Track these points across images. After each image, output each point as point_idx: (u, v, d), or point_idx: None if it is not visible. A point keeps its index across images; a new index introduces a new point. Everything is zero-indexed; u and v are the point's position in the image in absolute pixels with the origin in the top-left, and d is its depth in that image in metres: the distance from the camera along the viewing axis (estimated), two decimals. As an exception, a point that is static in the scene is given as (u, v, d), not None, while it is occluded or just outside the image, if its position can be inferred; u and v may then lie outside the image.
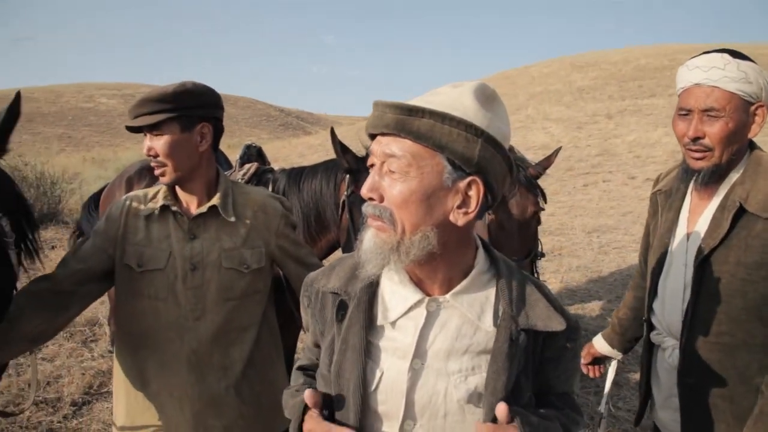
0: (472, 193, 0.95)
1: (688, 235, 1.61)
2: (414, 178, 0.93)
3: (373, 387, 1.02)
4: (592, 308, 5.01)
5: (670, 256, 1.66)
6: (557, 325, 1.01)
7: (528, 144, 13.25)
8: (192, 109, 1.59)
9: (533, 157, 2.57)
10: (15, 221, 1.59)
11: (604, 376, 2.16)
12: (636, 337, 2.00)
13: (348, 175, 2.42)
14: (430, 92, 1.00)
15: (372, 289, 1.06)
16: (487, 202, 0.98)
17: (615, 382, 2.16)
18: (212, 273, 1.62)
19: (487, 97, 0.97)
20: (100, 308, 4.86)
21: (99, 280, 1.65)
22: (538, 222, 2.57)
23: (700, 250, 1.53)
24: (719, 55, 1.48)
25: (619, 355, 2.06)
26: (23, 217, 1.66)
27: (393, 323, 1.03)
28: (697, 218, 1.60)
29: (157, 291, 1.61)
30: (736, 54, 1.48)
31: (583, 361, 2.07)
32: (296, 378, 1.17)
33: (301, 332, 2.69)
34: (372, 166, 1.01)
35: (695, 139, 1.50)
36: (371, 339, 1.04)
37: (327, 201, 2.50)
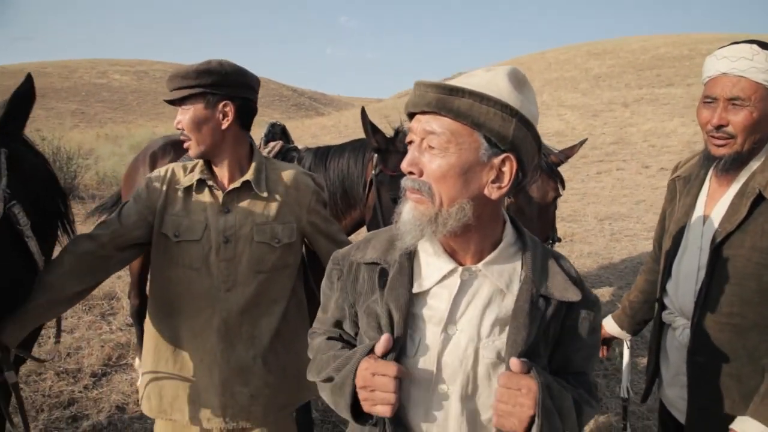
0: (506, 168, 1.01)
1: (704, 220, 1.64)
2: (453, 154, 0.99)
3: (413, 353, 1.07)
4: (603, 294, 5.04)
5: (686, 239, 1.70)
6: (573, 295, 1.07)
7: (543, 130, 13.13)
8: (215, 87, 1.63)
9: (548, 143, 2.64)
10: (47, 205, 1.65)
11: (612, 358, 2.20)
12: (645, 320, 2.04)
13: (376, 155, 2.45)
14: (465, 74, 1.05)
15: (410, 257, 1.11)
16: (517, 179, 1.03)
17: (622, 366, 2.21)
18: (244, 246, 1.67)
19: (519, 80, 1.03)
20: (117, 282, 4.96)
21: (136, 246, 1.72)
22: (555, 207, 2.61)
23: (716, 233, 1.56)
24: (748, 45, 1.50)
25: (628, 337, 2.10)
26: (59, 199, 1.73)
27: (428, 291, 1.09)
28: (715, 204, 1.63)
29: (191, 261, 1.66)
30: (764, 45, 1.50)
31: None
32: (332, 346, 1.21)
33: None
34: (410, 143, 1.06)
35: (719, 127, 1.53)
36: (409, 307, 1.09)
37: (354, 179, 2.54)
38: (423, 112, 1.03)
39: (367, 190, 2.49)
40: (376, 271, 1.12)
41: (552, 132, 13.00)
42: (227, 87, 1.65)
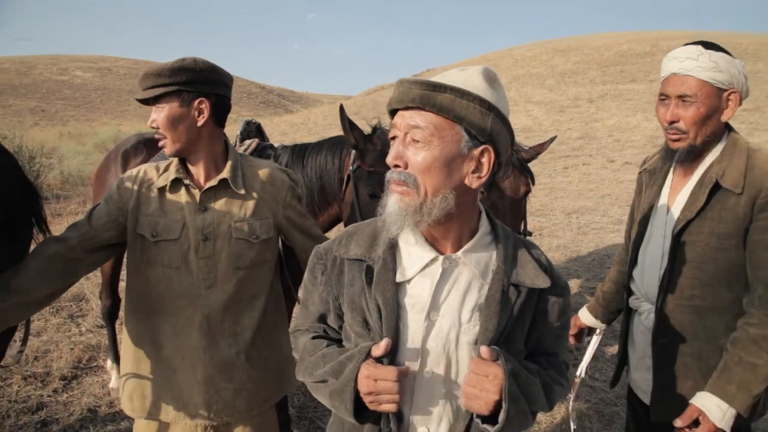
0: (485, 159, 1.09)
1: (668, 209, 1.76)
2: (436, 147, 1.05)
3: (399, 340, 1.12)
4: (571, 286, 5.16)
5: (651, 228, 1.81)
6: (543, 282, 1.14)
7: (510, 126, 13.33)
8: (189, 85, 1.64)
9: (517, 139, 2.75)
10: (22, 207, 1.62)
11: (581, 348, 2.27)
12: (618, 309, 2.13)
13: (354, 151, 2.49)
14: (440, 75, 1.11)
15: (392, 251, 1.16)
16: (494, 169, 1.11)
17: (593, 355, 2.28)
18: (223, 243, 1.68)
19: (491, 78, 1.11)
20: (86, 284, 4.86)
21: (108, 248, 1.71)
22: (526, 202, 2.68)
23: (678, 221, 1.68)
24: (694, 47, 1.63)
25: (602, 326, 2.18)
26: (32, 199, 1.71)
27: (410, 280, 1.14)
28: (677, 194, 1.74)
29: (170, 260, 1.67)
30: (709, 45, 1.62)
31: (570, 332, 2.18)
32: (318, 345, 1.24)
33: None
34: (393, 138, 1.11)
35: (671, 123, 1.66)
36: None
37: (331, 176, 2.57)
38: (407, 108, 1.08)
39: (344, 186, 2.52)
40: (362, 268, 1.17)
41: (520, 127, 13.16)
42: (202, 84, 1.66)
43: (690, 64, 1.61)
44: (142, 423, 1.78)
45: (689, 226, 1.65)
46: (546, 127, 13.53)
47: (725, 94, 1.61)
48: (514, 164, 2.53)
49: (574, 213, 7.65)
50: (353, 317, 1.16)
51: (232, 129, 4.71)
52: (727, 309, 1.63)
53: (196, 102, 1.65)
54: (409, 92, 1.06)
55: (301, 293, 1.29)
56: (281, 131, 16.46)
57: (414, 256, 1.15)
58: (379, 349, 1.07)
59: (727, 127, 1.71)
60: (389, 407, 1.05)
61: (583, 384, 1.92)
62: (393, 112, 1.13)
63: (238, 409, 1.74)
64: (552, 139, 2.86)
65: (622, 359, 1.96)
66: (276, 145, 2.82)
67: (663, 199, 1.79)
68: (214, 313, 1.68)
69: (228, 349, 1.71)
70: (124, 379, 1.77)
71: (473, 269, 1.14)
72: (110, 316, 3.55)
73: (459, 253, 1.14)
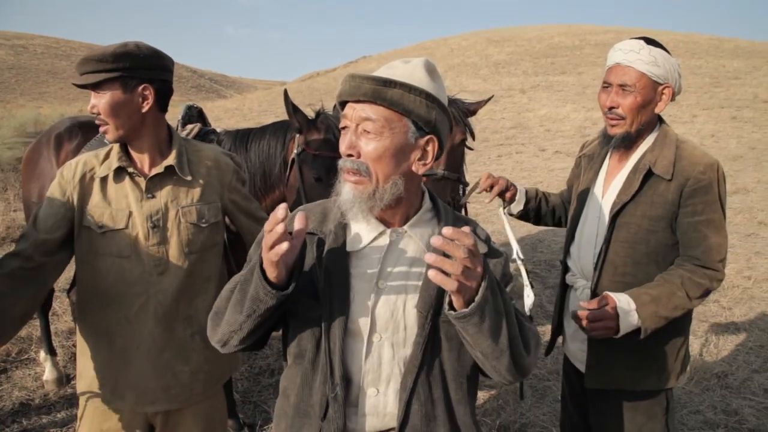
0: (429, 148, 1.19)
1: (603, 193, 1.92)
2: (387, 138, 1.14)
3: (350, 308, 1.19)
4: (506, 271, 5.38)
5: (587, 209, 1.96)
6: (481, 248, 1.22)
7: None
8: (133, 70, 1.62)
9: (458, 97, 2.98)
10: None
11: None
12: (531, 215, 2.21)
13: (298, 135, 2.52)
14: (387, 66, 1.20)
15: (344, 228, 1.24)
16: (437, 155, 1.21)
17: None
18: (172, 229, 1.68)
19: (432, 70, 1.20)
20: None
21: (66, 246, 1.67)
22: (463, 152, 2.92)
23: (614, 204, 1.83)
24: (637, 41, 1.79)
25: (511, 205, 2.18)
26: None
27: (361, 251, 1.22)
28: (613, 179, 1.91)
29: (120, 249, 1.65)
30: (650, 41, 1.79)
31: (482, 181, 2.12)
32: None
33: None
34: (344, 128, 1.18)
35: (611, 108, 1.81)
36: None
37: (274, 161, 2.60)
38: (358, 101, 1.15)
39: (288, 170, 2.55)
40: (314, 240, 1.23)
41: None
42: (146, 70, 1.64)
43: (632, 56, 1.76)
44: (95, 414, 1.75)
45: (624, 209, 1.81)
46: (480, 116, 13.84)
47: (660, 87, 1.77)
48: (454, 115, 2.69)
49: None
50: (302, 284, 1.19)
51: (173, 113, 4.59)
52: None
53: (140, 88, 1.63)
54: (361, 86, 1.13)
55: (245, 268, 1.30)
56: (215, 117, 16.00)
57: (364, 230, 1.23)
58: (279, 211, 1.03)
59: (659, 120, 1.89)
60: (279, 249, 1.01)
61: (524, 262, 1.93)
62: (342, 104, 1.20)
63: (196, 391, 1.76)
64: (489, 99, 3.07)
65: (556, 330, 2.11)
66: (218, 129, 2.81)
67: (599, 183, 1.94)
68: (168, 298, 1.68)
69: (183, 332, 1.72)
70: (81, 371, 1.76)
71: (418, 241, 1.22)
72: (42, 306, 3.42)
73: (405, 227, 1.23)
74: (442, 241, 0.97)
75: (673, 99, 1.81)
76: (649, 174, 1.78)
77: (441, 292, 1.16)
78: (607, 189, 1.91)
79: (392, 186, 1.15)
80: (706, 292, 1.74)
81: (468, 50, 26.65)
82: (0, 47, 45.44)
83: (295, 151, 2.52)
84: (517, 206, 2.19)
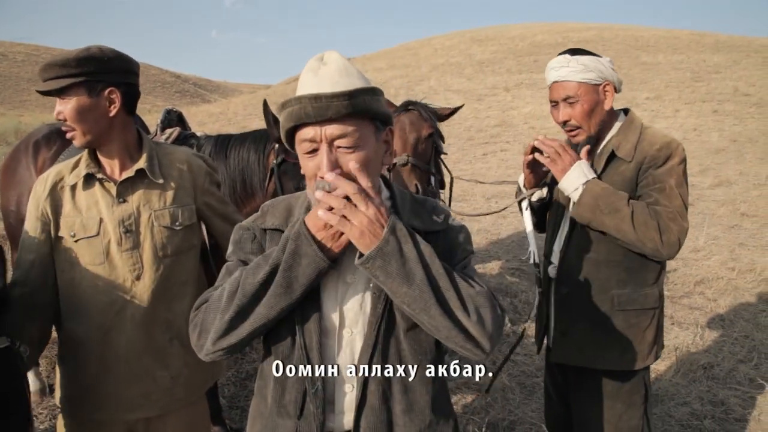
0: (389, 138, 1.23)
1: None
2: (364, 147, 1.13)
3: (319, 305, 1.18)
4: (492, 267, 5.40)
5: (560, 196, 2.01)
6: (438, 226, 1.25)
7: (431, 115, 13.60)
8: (97, 74, 1.59)
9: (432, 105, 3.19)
10: None
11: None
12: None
13: (278, 145, 2.50)
14: (315, 77, 1.12)
15: None
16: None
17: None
18: (145, 233, 1.67)
19: (349, 63, 1.15)
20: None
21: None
22: (438, 147, 3.03)
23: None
24: (563, 56, 1.90)
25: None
26: None
27: None
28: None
29: (93, 257, 1.64)
30: (576, 51, 1.90)
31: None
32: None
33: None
34: (313, 151, 1.12)
35: (565, 122, 1.90)
36: None
37: (254, 169, 2.58)
38: (327, 121, 1.09)
39: (267, 180, 2.54)
40: (278, 236, 1.21)
41: (441, 116, 13.44)
42: (111, 74, 1.62)
43: (564, 71, 1.87)
44: (75, 423, 1.72)
45: None
46: (465, 114, 13.90)
47: (601, 87, 1.87)
48: (420, 111, 2.91)
49: (494, 198, 7.97)
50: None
51: (153, 118, 4.54)
52: (618, 263, 1.86)
53: (107, 92, 1.62)
54: (330, 106, 1.07)
55: (223, 270, 1.26)
56: (199, 121, 15.91)
57: None
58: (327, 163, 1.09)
59: (625, 111, 1.97)
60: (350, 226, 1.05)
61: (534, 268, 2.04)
62: (296, 126, 1.13)
63: (177, 396, 1.74)
64: (457, 108, 3.18)
65: (546, 325, 2.12)
66: (199, 134, 2.78)
67: None
68: (144, 303, 1.66)
69: (162, 336, 1.70)
70: (60, 381, 1.74)
71: None
72: None
73: None
74: (323, 195, 1.05)
75: (618, 91, 1.90)
76: (612, 156, 1.87)
77: None
78: None
79: (377, 191, 1.13)
80: (652, 230, 1.72)
81: (452, 50, 26.70)
82: (-24, 55, 44.87)
83: (274, 160, 2.51)
84: (541, 192, 2.13)
